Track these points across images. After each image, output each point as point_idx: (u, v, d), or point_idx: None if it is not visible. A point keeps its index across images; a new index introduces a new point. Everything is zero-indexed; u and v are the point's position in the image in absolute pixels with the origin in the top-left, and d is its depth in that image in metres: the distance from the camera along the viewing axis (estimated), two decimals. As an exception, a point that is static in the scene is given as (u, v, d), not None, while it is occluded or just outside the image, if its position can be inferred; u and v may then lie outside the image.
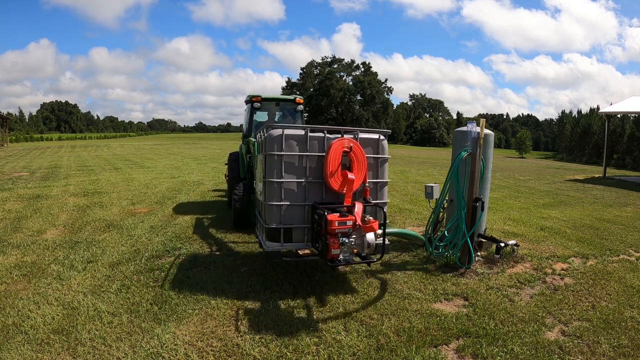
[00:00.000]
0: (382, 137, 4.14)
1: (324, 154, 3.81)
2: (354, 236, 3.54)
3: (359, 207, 3.64)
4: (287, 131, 3.79)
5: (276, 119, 7.73)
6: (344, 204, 3.74)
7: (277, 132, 3.78)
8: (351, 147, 3.81)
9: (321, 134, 3.90)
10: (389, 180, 4.23)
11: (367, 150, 4.01)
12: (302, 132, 3.84)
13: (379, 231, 3.64)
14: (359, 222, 3.48)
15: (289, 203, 3.77)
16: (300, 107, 7.58)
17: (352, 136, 3.98)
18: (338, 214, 3.49)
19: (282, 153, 3.73)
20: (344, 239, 3.42)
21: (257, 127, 7.18)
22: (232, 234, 6.01)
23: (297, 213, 3.82)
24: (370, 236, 3.53)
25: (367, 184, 3.94)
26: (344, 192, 3.77)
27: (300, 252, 3.80)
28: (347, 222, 3.43)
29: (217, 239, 5.72)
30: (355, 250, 3.59)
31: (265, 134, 3.87)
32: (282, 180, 3.74)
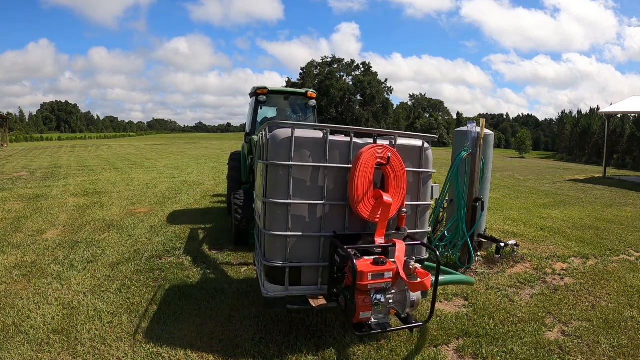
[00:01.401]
0: (426, 144, 3.14)
1: (350, 166, 2.81)
2: (392, 291, 2.55)
3: (400, 249, 2.63)
4: (299, 132, 2.75)
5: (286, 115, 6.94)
6: (376, 236, 2.79)
7: (284, 133, 2.75)
8: (389, 158, 2.77)
9: (346, 139, 2.87)
10: (432, 202, 3.26)
11: (407, 162, 2.98)
12: (319, 134, 2.81)
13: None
14: (401, 273, 2.47)
15: (298, 234, 2.79)
16: (313, 103, 6.55)
17: (387, 142, 2.98)
18: (371, 259, 2.53)
19: (290, 163, 2.72)
20: (378, 296, 2.44)
21: (262, 124, 6.68)
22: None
23: (310, 247, 2.83)
24: (416, 293, 2.62)
25: (405, 209, 2.93)
26: (377, 220, 2.79)
27: (313, 303, 2.78)
28: (385, 273, 2.43)
29: (218, 238, 5.71)
30: (393, 311, 2.65)
31: (268, 135, 2.86)
32: (289, 201, 2.74)
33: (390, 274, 2.45)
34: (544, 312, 3.71)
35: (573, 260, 5.24)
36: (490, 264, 4.92)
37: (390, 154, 2.79)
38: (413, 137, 3.14)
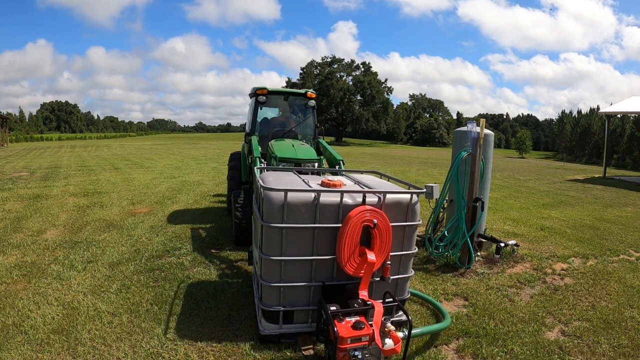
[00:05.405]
0: (415, 198, 3.20)
1: (339, 225, 2.98)
2: (369, 347, 2.82)
3: (377, 312, 2.86)
4: (292, 196, 2.91)
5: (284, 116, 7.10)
6: (360, 289, 3.05)
7: (277, 197, 2.91)
8: (375, 223, 2.94)
9: (336, 199, 2.99)
10: (416, 250, 3.40)
11: (394, 217, 3.10)
12: (310, 196, 2.95)
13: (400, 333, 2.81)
14: (377, 337, 2.71)
15: (291, 284, 3.05)
16: (312, 103, 6.69)
17: (377, 200, 3.06)
18: (352, 321, 2.78)
19: (283, 226, 2.91)
20: (356, 352, 2.72)
21: (262, 124, 6.74)
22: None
23: (301, 294, 3.11)
24: (389, 344, 2.82)
25: (389, 262, 3.12)
26: (361, 275, 3.03)
27: (304, 351, 3.02)
28: (363, 337, 2.70)
29: (218, 238, 5.71)
30: None
31: (263, 194, 3.01)
32: (282, 258, 2.98)
33: (367, 338, 2.71)
34: (544, 312, 3.71)
35: (573, 260, 5.24)
36: (490, 264, 4.92)
37: (376, 221, 2.93)
38: (403, 191, 3.21)
